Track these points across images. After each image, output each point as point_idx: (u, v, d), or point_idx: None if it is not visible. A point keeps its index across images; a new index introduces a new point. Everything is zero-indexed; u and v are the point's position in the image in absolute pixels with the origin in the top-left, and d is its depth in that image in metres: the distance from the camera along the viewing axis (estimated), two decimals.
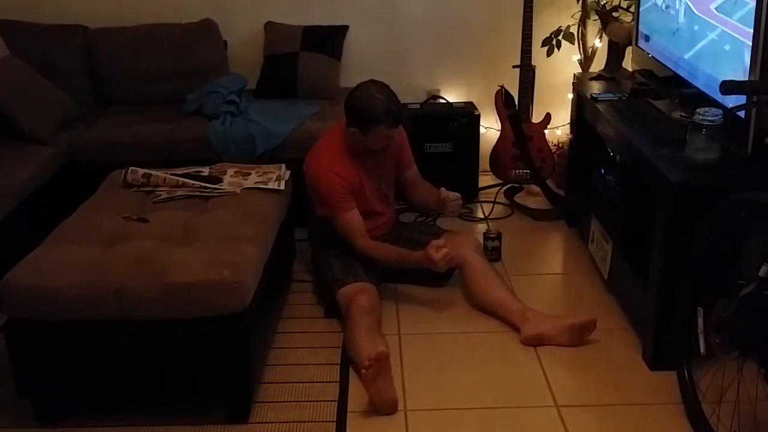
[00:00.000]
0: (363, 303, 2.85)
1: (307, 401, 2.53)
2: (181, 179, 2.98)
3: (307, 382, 2.65)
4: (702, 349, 2.23)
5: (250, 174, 3.10)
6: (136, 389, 2.47)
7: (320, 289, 3.17)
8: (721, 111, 2.48)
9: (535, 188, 4.18)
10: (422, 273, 3.20)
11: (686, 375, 2.41)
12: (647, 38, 3.37)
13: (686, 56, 2.92)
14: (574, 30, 4.16)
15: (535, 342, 2.84)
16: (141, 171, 3.00)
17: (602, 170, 3.30)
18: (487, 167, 4.28)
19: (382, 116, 2.95)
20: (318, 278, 3.20)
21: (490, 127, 4.36)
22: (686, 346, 2.37)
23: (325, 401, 2.55)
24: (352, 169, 3.08)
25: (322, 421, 2.46)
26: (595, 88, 3.57)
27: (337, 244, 3.15)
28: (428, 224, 3.36)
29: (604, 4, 4.00)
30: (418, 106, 4.18)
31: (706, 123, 2.48)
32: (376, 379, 2.47)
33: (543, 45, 4.15)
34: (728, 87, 2.23)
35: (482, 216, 4.04)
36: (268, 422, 2.46)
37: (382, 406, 2.49)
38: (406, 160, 3.33)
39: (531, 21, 4.01)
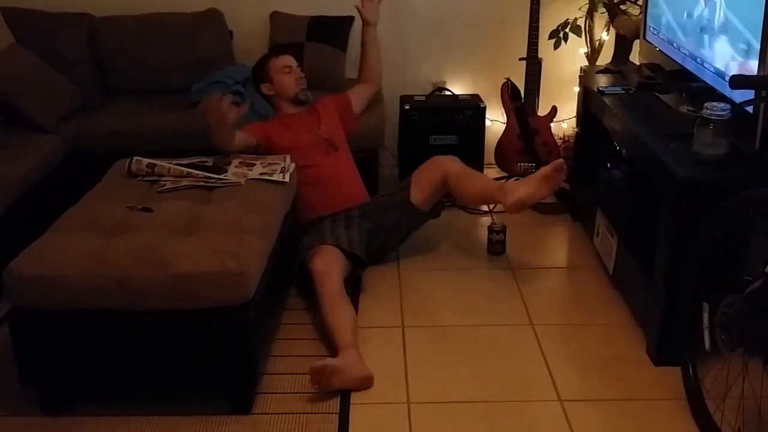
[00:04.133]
0: (318, 267, 2.91)
1: (310, 392, 2.53)
2: (186, 169, 2.98)
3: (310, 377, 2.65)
4: (707, 345, 2.23)
5: (254, 165, 3.10)
6: (139, 379, 2.47)
7: (298, 267, 3.20)
8: (729, 106, 2.46)
9: None
10: (415, 216, 3.32)
11: (691, 371, 2.40)
12: (655, 31, 3.35)
13: (695, 50, 2.90)
14: (581, 23, 4.14)
15: (520, 206, 3.00)
16: (146, 161, 3.00)
17: (608, 164, 3.28)
18: (493, 160, 4.28)
19: (267, 55, 3.49)
20: (297, 261, 3.24)
21: (495, 120, 4.35)
22: (691, 342, 2.37)
23: (328, 393, 2.54)
24: (275, 126, 3.37)
25: (325, 413, 2.46)
26: (602, 81, 3.56)
27: (315, 224, 3.23)
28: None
29: None
30: (423, 98, 4.16)
31: (713, 118, 2.46)
32: (332, 383, 2.49)
33: (550, 38, 4.13)
34: (737, 82, 2.22)
35: (487, 209, 4.03)
36: (271, 413, 2.46)
37: (358, 388, 2.53)
38: (343, 101, 3.59)
39: (538, 13, 3.99)
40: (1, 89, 3.63)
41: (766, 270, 2.04)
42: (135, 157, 3.02)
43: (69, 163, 3.67)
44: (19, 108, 3.65)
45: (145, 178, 2.98)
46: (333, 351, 2.69)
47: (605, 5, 3.99)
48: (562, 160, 3.03)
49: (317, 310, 2.86)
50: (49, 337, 2.39)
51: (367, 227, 3.26)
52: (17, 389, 2.47)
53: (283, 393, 2.56)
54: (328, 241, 3.04)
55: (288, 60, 3.46)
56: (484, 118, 4.12)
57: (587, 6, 4.12)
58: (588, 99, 3.60)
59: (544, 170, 3.02)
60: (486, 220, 3.83)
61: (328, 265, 2.92)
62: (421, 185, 3.29)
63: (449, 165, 3.27)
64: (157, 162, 2.99)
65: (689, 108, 2.85)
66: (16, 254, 2.41)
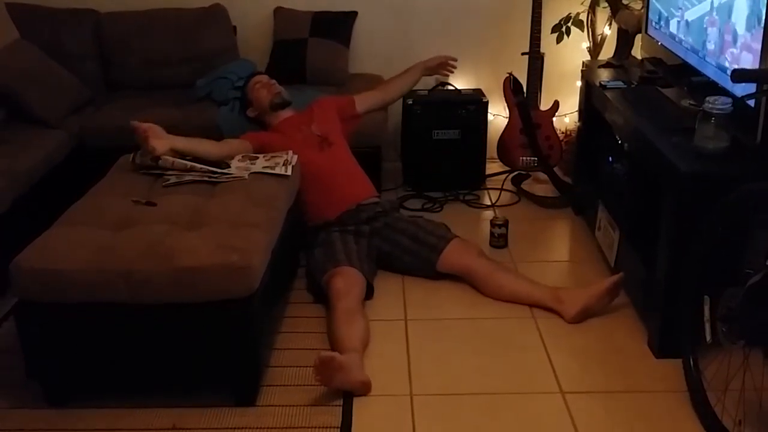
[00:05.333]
0: (338, 286, 2.90)
1: (314, 385, 2.54)
2: (189, 163, 2.99)
3: (313, 367, 2.66)
4: (708, 338, 2.24)
5: (257, 159, 3.11)
6: (143, 372, 2.49)
7: (307, 275, 3.22)
8: (730, 99, 2.47)
9: (543, 176, 4.18)
10: (433, 275, 3.22)
11: (692, 363, 2.41)
12: (657, 26, 3.36)
13: (695, 43, 2.91)
14: (583, 17, 4.14)
15: (582, 317, 2.90)
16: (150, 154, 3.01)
17: (610, 158, 3.30)
18: (495, 154, 4.28)
19: (243, 83, 3.64)
20: (307, 265, 3.25)
21: (498, 114, 4.36)
22: (692, 335, 2.38)
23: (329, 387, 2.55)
24: (271, 134, 3.46)
25: (329, 405, 2.47)
26: (604, 75, 3.56)
27: (323, 228, 3.23)
28: (436, 223, 3.38)
29: None
30: (426, 92, 4.17)
31: (715, 112, 2.47)
32: (333, 379, 2.48)
33: (552, 32, 4.13)
34: (739, 75, 2.23)
35: (489, 203, 4.04)
36: (275, 405, 2.48)
37: (354, 391, 2.52)
38: (345, 103, 3.63)
39: (540, 8, 3.99)
40: (6, 84, 3.65)
41: (767, 263, 2.05)
42: (139, 151, 3.02)
43: (74, 158, 3.69)
44: (24, 103, 3.67)
45: (149, 172, 2.99)
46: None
47: (607, 0, 3.99)
48: (622, 274, 2.94)
49: (327, 322, 2.85)
50: (54, 330, 2.41)
51: (377, 246, 3.25)
52: (23, 381, 2.49)
53: (287, 385, 2.58)
54: (342, 263, 3.01)
55: (257, 78, 3.60)
56: (486, 112, 4.13)
57: (589, 0, 4.12)
58: (590, 93, 3.61)
59: (607, 284, 2.92)
60: (488, 214, 3.84)
61: (348, 285, 2.91)
62: (446, 266, 3.18)
63: (475, 264, 3.13)
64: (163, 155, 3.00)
65: (691, 102, 2.86)
66: (22, 248, 2.43)
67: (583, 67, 3.86)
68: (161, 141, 2.98)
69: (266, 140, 3.37)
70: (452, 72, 3.86)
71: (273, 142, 3.33)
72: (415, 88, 3.94)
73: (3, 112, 3.75)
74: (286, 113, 3.54)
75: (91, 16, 4.16)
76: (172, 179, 2.93)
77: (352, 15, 4.25)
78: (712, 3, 2.75)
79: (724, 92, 2.57)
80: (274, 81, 3.58)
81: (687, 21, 2.66)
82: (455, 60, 3.80)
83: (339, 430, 2.37)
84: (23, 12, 4.05)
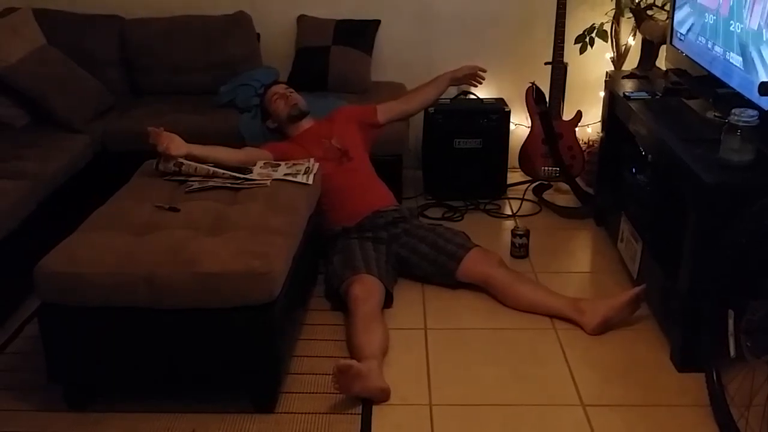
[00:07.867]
0: (357, 293, 2.89)
1: (333, 393, 2.53)
2: (212, 169, 3.01)
3: (331, 375, 2.66)
4: (732, 352, 2.22)
5: (279, 165, 3.13)
6: (164, 377, 2.50)
7: (325, 282, 3.21)
8: (756, 112, 2.45)
9: (564, 186, 4.17)
10: (452, 282, 3.20)
11: (715, 377, 2.39)
12: (682, 37, 3.34)
13: (722, 55, 2.89)
14: (607, 27, 4.12)
15: (603, 329, 2.88)
16: (172, 160, 3.03)
17: (633, 169, 3.28)
18: (516, 164, 4.28)
19: (261, 94, 3.65)
20: (325, 272, 3.24)
21: (520, 124, 4.35)
22: (715, 349, 2.35)
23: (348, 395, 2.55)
24: (291, 146, 3.44)
25: (348, 413, 2.47)
26: (628, 86, 3.55)
27: (341, 236, 3.24)
28: (455, 232, 3.36)
29: (639, 2, 3.97)
30: (448, 101, 4.16)
31: (741, 124, 2.45)
32: (352, 387, 2.48)
33: (576, 42, 4.12)
34: (766, 88, 2.21)
35: (510, 213, 4.03)
36: (295, 413, 2.48)
37: (373, 398, 2.52)
38: (366, 112, 3.61)
39: (564, 18, 3.99)
40: (31, 89, 3.69)
41: None
42: (162, 157, 3.04)
43: (98, 162, 3.73)
44: (49, 107, 3.71)
45: (172, 178, 3.01)
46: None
47: (632, 10, 3.98)
48: (644, 286, 2.92)
49: (346, 330, 2.86)
50: (76, 333, 2.42)
51: (395, 251, 3.24)
52: (44, 384, 2.51)
53: (306, 393, 2.58)
54: (360, 270, 3.00)
55: (275, 88, 3.58)
56: (508, 121, 4.12)
57: (613, 11, 4.11)
58: (613, 104, 3.59)
59: (628, 296, 2.90)
60: (509, 224, 3.83)
61: (366, 292, 2.91)
62: (465, 275, 3.17)
63: (495, 273, 3.11)
64: (185, 161, 3.02)
65: (716, 114, 2.84)
66: (46, 252, 2.45)
67: (606, 77, 3.85)
68: (176, 143, 3.00)
69: (287, 150, 3.37)
70: (481, 83, 3.80)
71: (293, 154, 3.32)
72: None
73: (28, 116, 3.79)
74: (306, 124, 3.53)
75: (116, 23, 4.20)
76: (195, 185, 2.95)
77: (375, 23, 4.27)
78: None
79: (750, 104, 2.55)
80: (291, 90, 3.57)
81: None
82: (485, 71, 3.75)
83: None
84: (50, 18, 4.09)
